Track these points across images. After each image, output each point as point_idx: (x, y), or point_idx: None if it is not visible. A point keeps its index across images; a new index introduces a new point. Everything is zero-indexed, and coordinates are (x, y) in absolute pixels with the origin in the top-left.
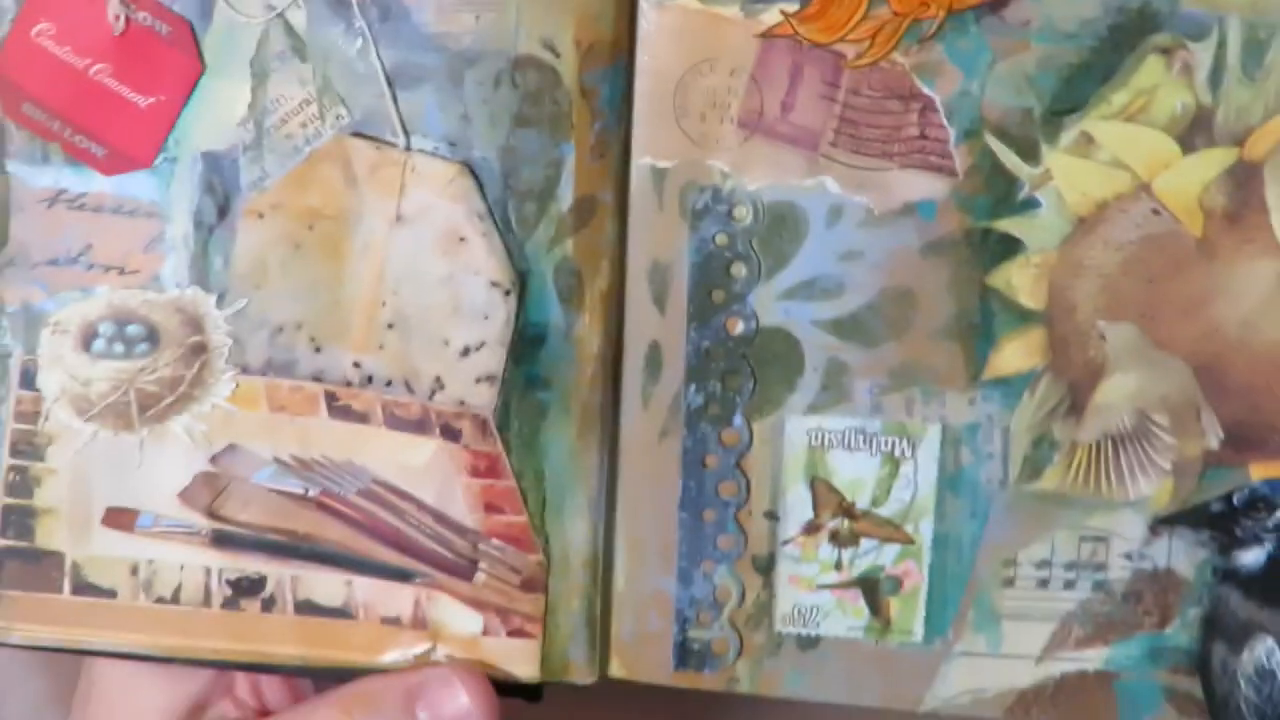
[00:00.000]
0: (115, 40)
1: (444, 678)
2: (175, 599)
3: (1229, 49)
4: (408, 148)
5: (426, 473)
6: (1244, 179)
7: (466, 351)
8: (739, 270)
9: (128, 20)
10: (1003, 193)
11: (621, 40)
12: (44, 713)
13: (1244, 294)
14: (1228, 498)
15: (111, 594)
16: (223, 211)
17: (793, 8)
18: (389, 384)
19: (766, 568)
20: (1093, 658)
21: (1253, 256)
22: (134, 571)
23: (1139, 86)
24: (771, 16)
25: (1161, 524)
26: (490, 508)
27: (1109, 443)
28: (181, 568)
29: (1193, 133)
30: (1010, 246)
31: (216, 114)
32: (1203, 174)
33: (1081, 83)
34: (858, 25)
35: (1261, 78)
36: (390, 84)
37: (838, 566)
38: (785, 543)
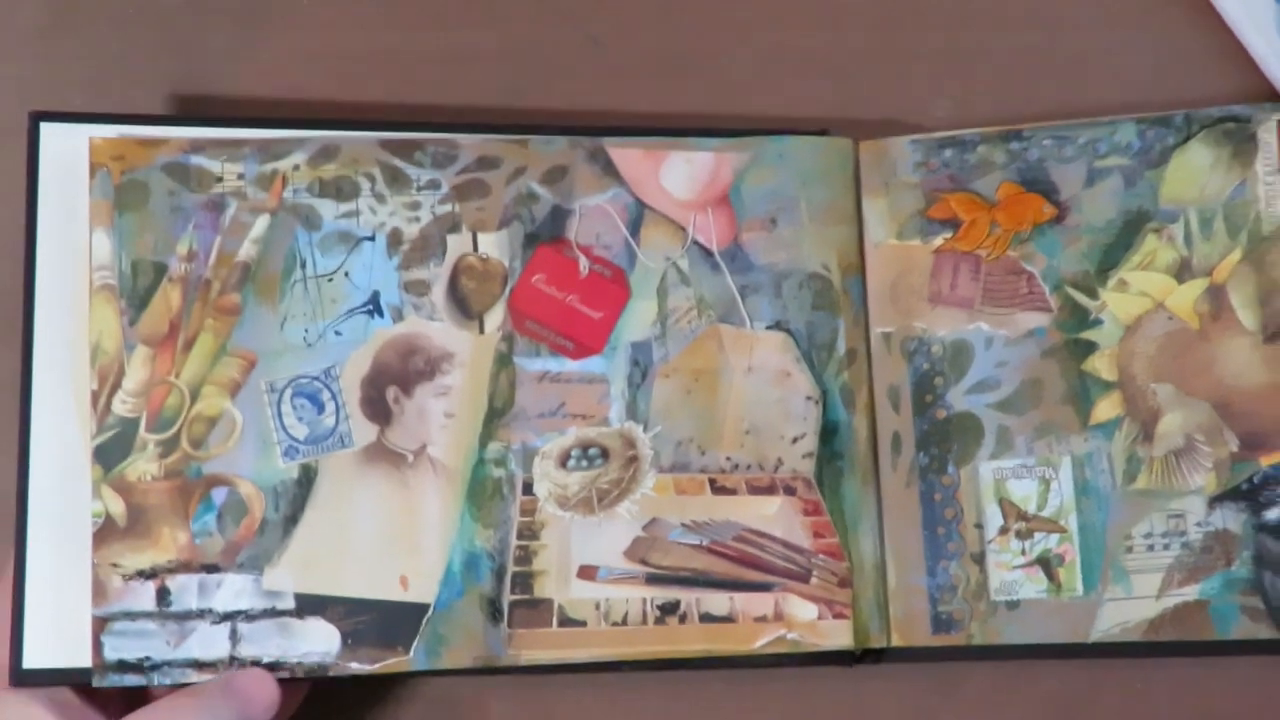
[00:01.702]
0: (581, 281)
1: (244, 672)
2: (624, 621)
3: (1191, 224)
4: (751, 327)
5: (776, 518)
6: (1216, 294)
7: (795, 440)
8: (939, 381)
9: (590, 269)
10: (1080, 318)
11: (859, 262)
12: None
13: (1232, 359)
14: (1250, 479)
15: (583, 624)
16: (644, 375)
17: (948, 235)
18: (749, 467)
19: (980, 559)
20: (1190, 592)
21: (1231, 337)
22: (597, 606)
23: (1145, 250)
24: (938, 241)
25: (1214, 501)
26: (816, 535)
27: (1172, 456)
28: (627, 600)
29: (1181, 272)
30: (1090, 347)
31: (638, 320)
32: (1192, 294)
33: (1114, 252)
34: (985, 240)
35: (1212, 238)
36: (739, 293)
37: (1023, 553)
38: (989, 542)
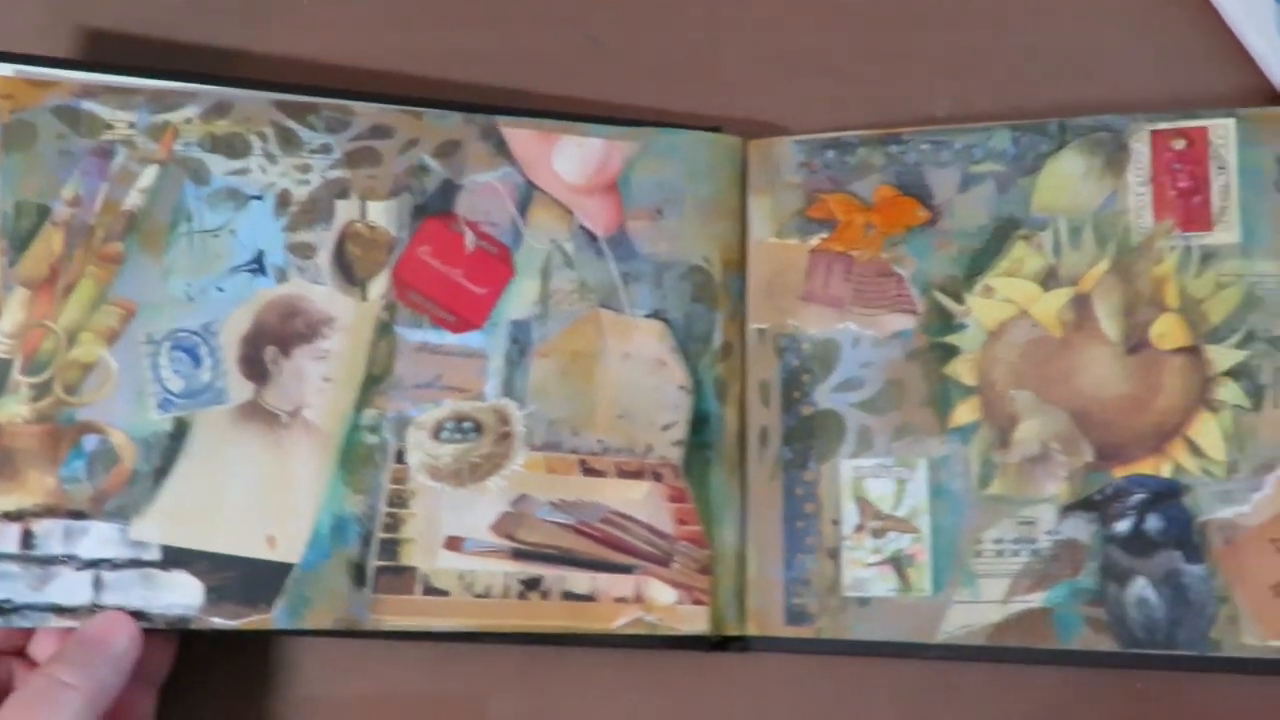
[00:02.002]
0: (467, 256)
1: (97, 617)
2: (487, 594)
3: (1061, 233)
4: (631, 314)
5: (643, 503)
6: (1081, 303)
7: (666, 427)
8: (807, 378)
9: (476, 245)
10: (945, 322)
11: (740, 258)
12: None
13: (1093, 369)
14: (1103, 490)
15: (446, 593)
16: (522, 353)
17: (825, 234)
18: (619, 451)
19: (835, 555)
20: (1036, 599)
21: (1093, 346)
22: (461, 577)
23: (1014, 257)
24: (815, 241)
25: (1066, 510)
26: (680, 521)
27: (1027, 463)
28: (491, 574)
29: (1048, 280)
30: (953, 351)
31: (521, 298)
32: (1057, 302)
33: (983, 258)
34: (859, 241)
35: (1080, 247)
36: (621, 280)
37: (876, 551)
38: (845, 539)
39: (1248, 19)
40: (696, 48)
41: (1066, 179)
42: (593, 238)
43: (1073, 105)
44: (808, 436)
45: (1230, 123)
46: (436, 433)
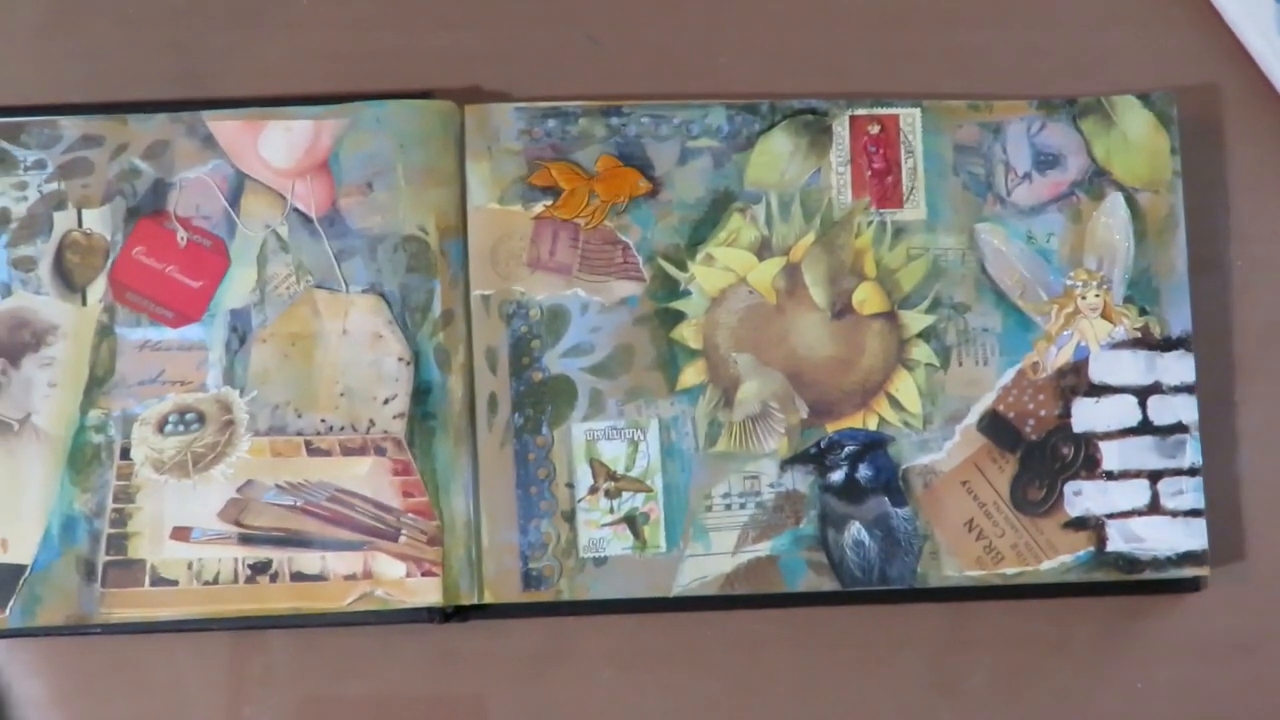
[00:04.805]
0: (180, 251)
1: None
2: (215, 581)
3: (772, 207)
4: (347, 291)
5: (367, 478)
6: (792, 272)
7: (387, 401)
8: (536, 344)
9: (188, 240)
10: (671, 288)
11: (460, 225)
12: (45, 712)
13: (804, 333)
14: (818, 444)
15: (175, 583)
16: (242, 341)
17: (549, 202)
18: (343, 429)
19: (571, 518)
20: (762, 548)
21: (804, 312)
22: (190, 566)
23: (731, 228)
24: (539, 208)
25: (786, 464)
26: (406, 494)
27: (749, 421)
28: (219, 560)
29: (762, 250)
30: (679, 316)
31: (238, 287)
32: (770, 271)
33: (702, 228)
34: (584, 209)
35: (789, 220)
36: (336, 258)
37: (611, 511)
38: (580, 501)
39: (1248, 19)
40: (696, 47)
41: (776, 156)
42: (307, 219)
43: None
44: (539, 402)
45: (916, 112)
46: (161, 427)
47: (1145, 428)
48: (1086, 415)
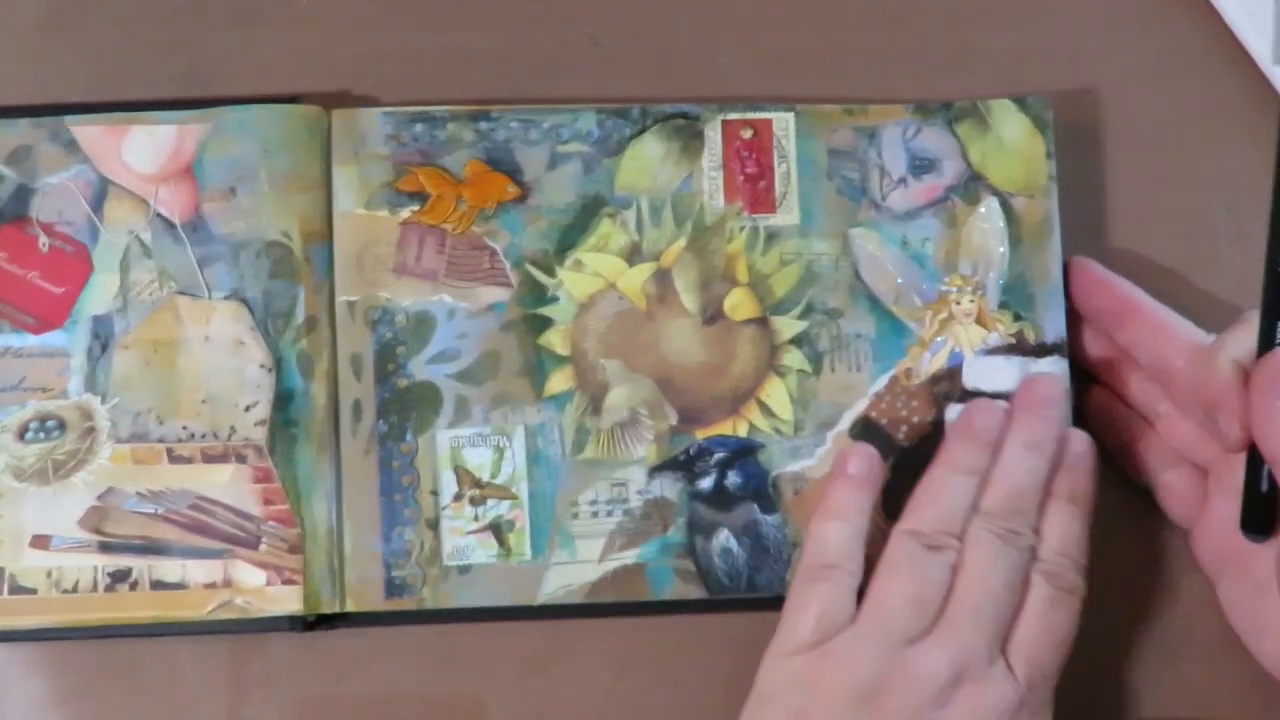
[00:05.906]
0: (43, 257)
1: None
2: (75, 589)
3: (643, 212)
4: (210, 297)
5: (228, 486)
6: (663, 278)
7: (249, 408)
8: (401, 351)
9: (50, 246)
10: (539, 294)
11: (326, 230)
12: (44, 713)
13: (674, 339)
14: (687, 451)
15: (34, 591)
16: (104, 348)
17: (416, 207)
18: (205, 436)
19: (435, 525)
20: (630, 555)
21: (674, 318)
22: (49, 575)
23: (601, 234)
24: (406, 213)
25: (654, 471)
26: (267, 502)
27: (618, 428)
28: (79, 569)
29: (633, 256)
30: (546, 323)
31: (100, 294)
32: (641, 276)
33: (572, 234)
34: (451, 214)
35: (660, 225)
36: (199, 264)
37: (476, 519)
38: (444, 508)
39: (1248, 19)
40: (696, 47)
41: (647, 161)
42: (171, 225)
43: None
44: (403, 409)
45: (790, 116)
46: (21, 434)
47: None
48: None
